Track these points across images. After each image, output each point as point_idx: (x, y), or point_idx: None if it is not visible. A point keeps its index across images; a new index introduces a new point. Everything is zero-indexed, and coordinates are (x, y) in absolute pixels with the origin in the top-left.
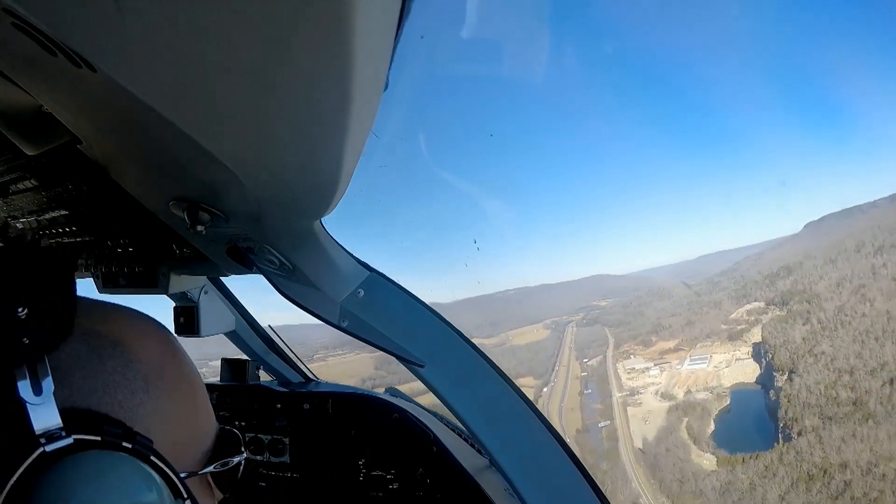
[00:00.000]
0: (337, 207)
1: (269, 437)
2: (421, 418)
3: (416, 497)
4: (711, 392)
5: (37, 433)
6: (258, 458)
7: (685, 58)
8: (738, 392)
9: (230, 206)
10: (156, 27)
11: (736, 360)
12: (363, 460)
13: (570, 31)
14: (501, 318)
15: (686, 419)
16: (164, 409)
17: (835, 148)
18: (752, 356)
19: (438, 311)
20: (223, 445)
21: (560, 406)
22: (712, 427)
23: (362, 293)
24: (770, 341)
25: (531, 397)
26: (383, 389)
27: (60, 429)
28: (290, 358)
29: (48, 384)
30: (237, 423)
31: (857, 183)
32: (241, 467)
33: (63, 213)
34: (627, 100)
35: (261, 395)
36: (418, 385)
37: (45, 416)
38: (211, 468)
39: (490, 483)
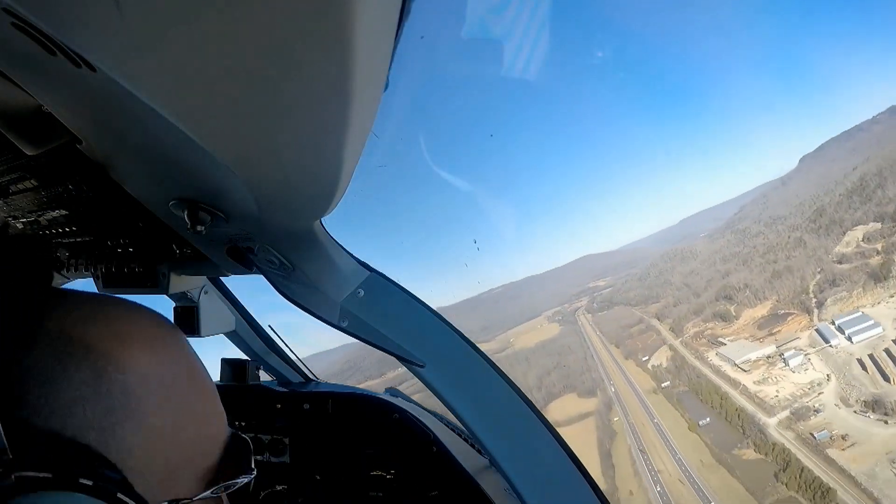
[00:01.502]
0: (337, 207)
1: (269, 437)
2: (421, 418)
3: (416, 497)
4: None
5: None
6: (258, 458)
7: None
8: None
9: (230, 206)
10: (156, 27)
11: None
12: (363, 460)
13: (562, 25)
14: (494, 319)
15: None
16: (153, 426)
17: (805, 82)
18: None
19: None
20: (232, 457)
21: (675, 459)
22: None
23: (362, 293)
24: None
25: (600, 435)
26: (383, 389)
27: (7, 463)
28: (290, 358)
29: None
30: (237, 423)
31: (838, 112)
32: (251, 485)
33: (63, 213)
34: (591, 75)
35: (261, 395)
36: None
37: None
38: (209, 493)
39: (490, 483)
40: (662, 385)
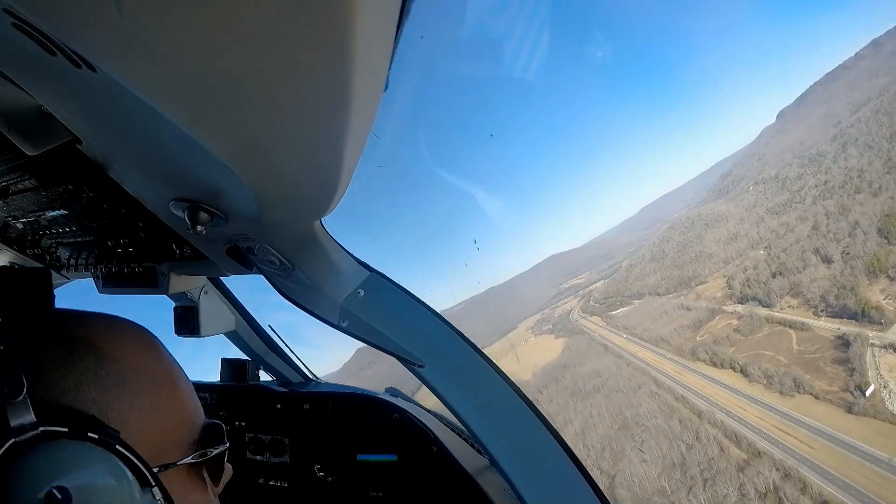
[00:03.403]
0: (337, 207)
1: (269, 437)
2: (421, 418)
3: (416, 497)
4: None
5: (12, 427)
6: (258, 458)
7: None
8: None
9: (230, 206)
10: (156, 27)
11: None
12: (363, 460)
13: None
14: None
15: None
16: (141, 405)
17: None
18: None
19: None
20: (209, 438)
21: None
22: None
23: (362, 293)
24: None
25: None
26: (383, 389)
27: (34, 423)
28: (290, 358)
29: (22, 384)
30: (237, 423)
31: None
32: (225, 456)
33: (63, 213)
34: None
35: (261, 395)
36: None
37: (21, 412)
38: (189, 459)
39: (490, 483)
40: None
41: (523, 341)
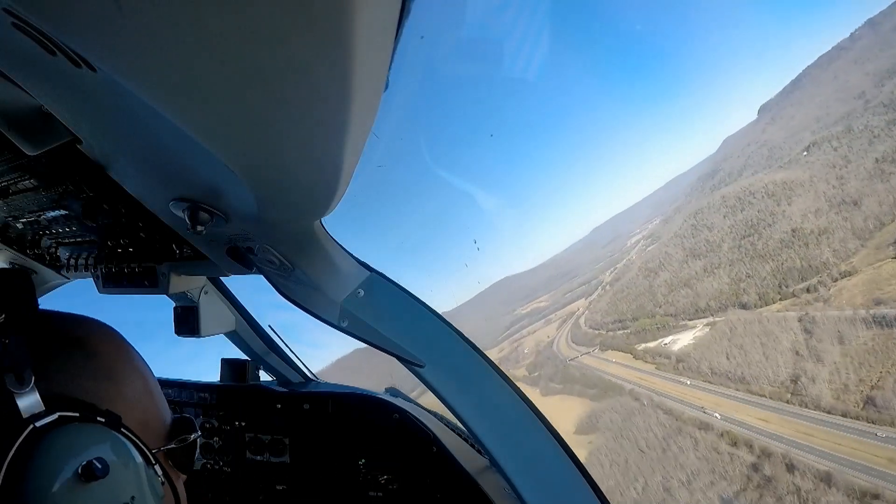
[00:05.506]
0: (337, 207)
1: (269, 437)
2: (421, 418)
3: (416, 497)
4: None
5: (24, 416)
6: (258, 458)
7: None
8: None
9: (230, 206)
10: (156, 27)
11: None
12: (363, 460)
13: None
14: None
15: None
16: (125, 394)
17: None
18: None
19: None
20: (179, 429)
21: None
22: None
23: (362, 293)
24: None
25: None
26: (383, 389)
27: (45, 411)
28: (290, 358)
29: (29, 375)
30: (237, 423)
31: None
32: (197, 446)
33: (63, 213)
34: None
35: (261, 395)
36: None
37: (30, 401)
38: (172, 444)
39: (490, 483)
40: None
41: None
